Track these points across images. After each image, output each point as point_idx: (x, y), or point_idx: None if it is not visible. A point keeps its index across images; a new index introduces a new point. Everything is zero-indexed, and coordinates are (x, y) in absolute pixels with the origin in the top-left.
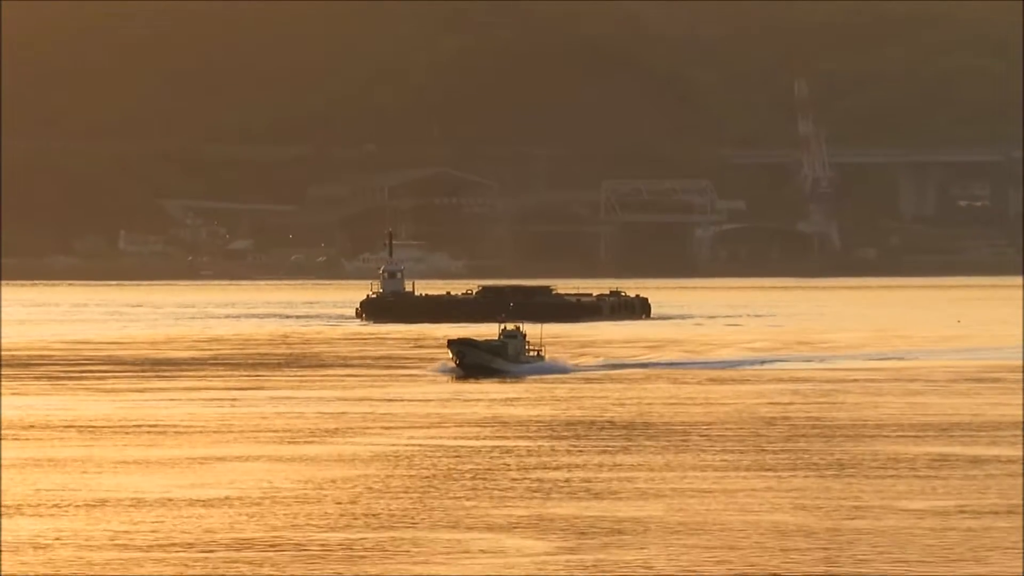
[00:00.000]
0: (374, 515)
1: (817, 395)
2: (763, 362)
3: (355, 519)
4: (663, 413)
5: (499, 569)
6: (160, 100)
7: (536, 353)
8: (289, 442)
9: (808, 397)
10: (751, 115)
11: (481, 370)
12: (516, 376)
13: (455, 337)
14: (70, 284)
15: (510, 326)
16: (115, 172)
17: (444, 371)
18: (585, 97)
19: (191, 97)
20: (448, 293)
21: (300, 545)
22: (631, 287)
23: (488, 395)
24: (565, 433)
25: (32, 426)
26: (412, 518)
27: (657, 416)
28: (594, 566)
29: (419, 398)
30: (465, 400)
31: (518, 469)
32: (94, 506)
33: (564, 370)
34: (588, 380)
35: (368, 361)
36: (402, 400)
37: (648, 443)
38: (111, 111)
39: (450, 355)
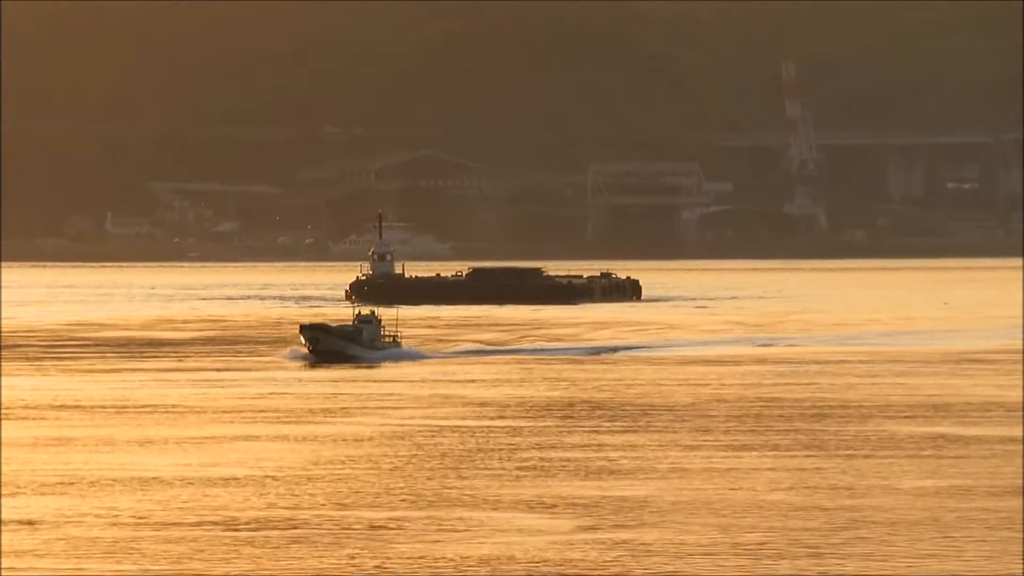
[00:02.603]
0: (381, 494)
1: (806, 376)
2: (617, 349)
3: (362, 498)
4: (653, 394)
5: (516, 547)
6: (147, 82)
7: (392, 339)
8: (291, 422)
9: (795, 378)
10: (738, 97)
11: (335, 356)
12: (371, 363)
13: (308, 322)
14: (57, 266)
15: (365, 311)
16: (102, 154)
17: (296, 357)
18: (573, 79)
19: (178, 79)
20: (438, 275)
21: (310, 524)
22: (619, 268)
23: (483, 377)
24: (559, 414)
25: (31, 407)
26: (420, 497)
27: (649, 397)
28: (609, 544)
29: (416, 379)
30: (459, 381)
31: (519, 449)
32: (96, 486)
33: (422, 357)
34: (578, 362)
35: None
36: (397, 381)
37: (644, 424)
38: (98, 93)
39: (303, 341)
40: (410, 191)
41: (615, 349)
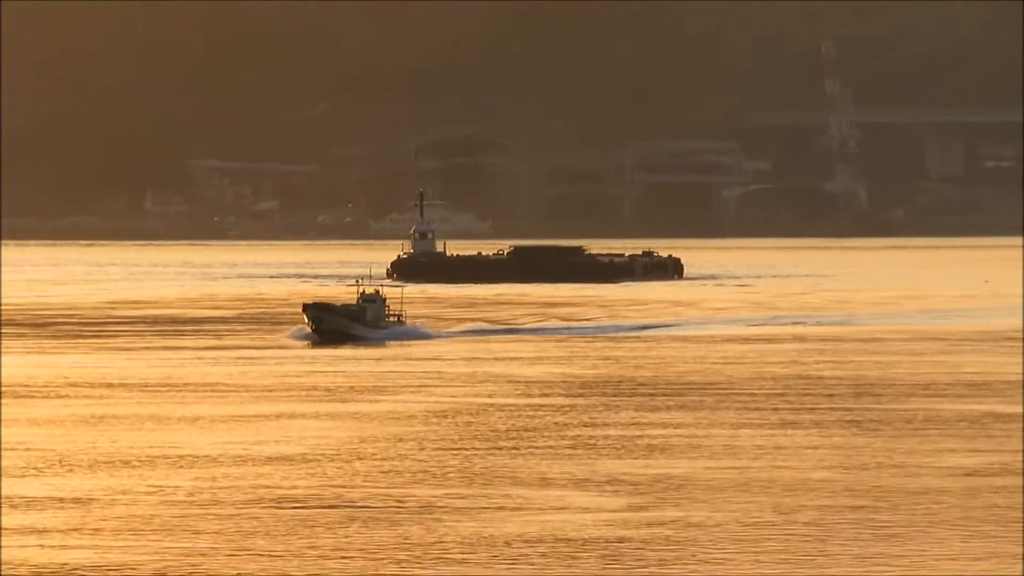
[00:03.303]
0: (429, 472)
1: (847, 354)
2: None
3: (410, 476)
4: (696, 373)
5: (567, 525)
6: (186, 60)
7: (396, 318)
8: (336, 400)
9: (837, 356)
10: (778, 75)
11: (339, 336)
12: (375, 342)
13: (311, 301)
14: (95, 244)
15: (369, 290)
16: (141, 133)
17: (299, 337)
18: (611, 57)
19: (216, 57)
20: (480, 253)
21: (359, 502)
22: (659, 247)
23: (524, 354)
24: (604, 392)
25: (74, 384)
26: (469, 474)
27: (692, 376)
28: (659, 522)
29: (456, 356)
30: (500, 359)
31: (566, 427)
32: (144, 463)
33: (426, 336)
34: (619, 340)
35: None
36: (437, 359)
37: (688, 402)
38: (136, 71)
39: (306, 320)
40: (449, 169)
41: (626, 328)
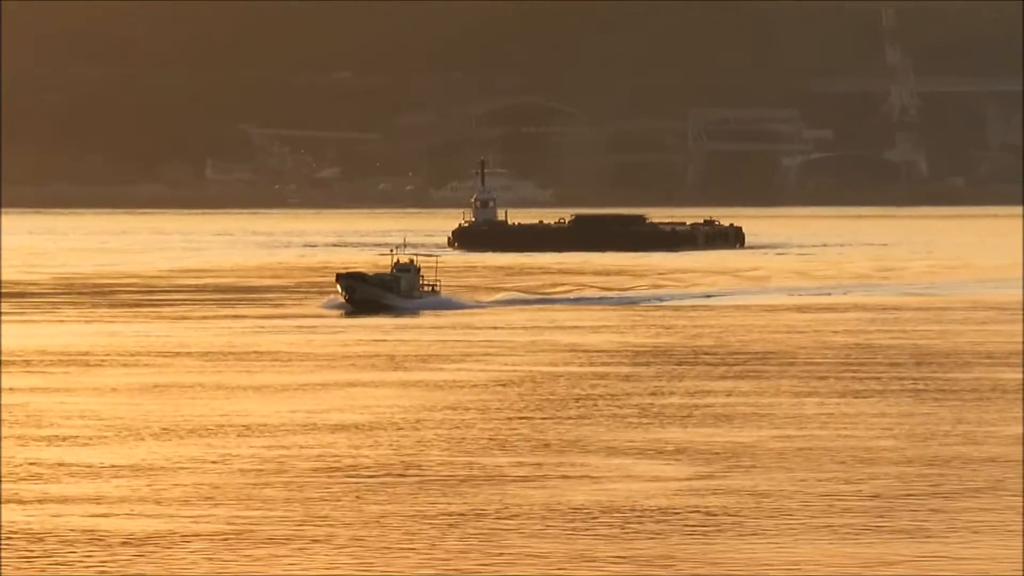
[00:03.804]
0: (494, 440)
1: (909, 323)
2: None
3: (475, 444)
4: (755, 341)
5: (634, 493)
6: (247, 27)
7: (431, 288)
8: (399, 368)
9: (898, 325)
10: (839, 44)
11: (372, 306)
12: (409, 312)
13: (344, 271)
14: (155, 212)
15: (403, 259)
16: (201, 100)
17: (333, 307)
18: (671, 24)
19: (278, 24)
20: (541, 222)
21: (420, 471)
22: (720, 215)
23: (585, 323)
24: (666, 361)
25: (135, 353)
26: (535, 443)
27: (754, 344)
28: (727, 491)
29: (517, 325)
30: (560, 327)
31: (630, 395)
32: (208, 432)
33: (460, 306)
34: (676, 308)
35: (464, 289)
36: (499, 327)
37: (751, 371)
38: (198, 38)
39: (339, 290)
40: (510, 137)
41: (659, 299)
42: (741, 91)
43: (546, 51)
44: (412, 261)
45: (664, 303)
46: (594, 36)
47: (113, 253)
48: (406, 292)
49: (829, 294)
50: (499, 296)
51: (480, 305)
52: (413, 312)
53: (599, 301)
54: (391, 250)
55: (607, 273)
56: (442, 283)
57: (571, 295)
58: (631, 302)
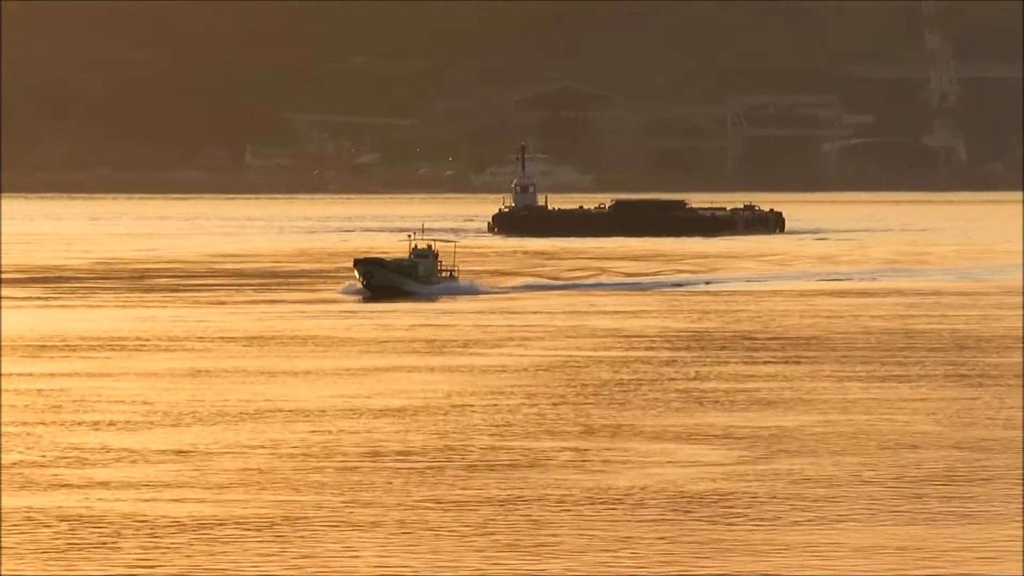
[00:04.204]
0: (537, 425)
1: (947, 308)
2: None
3: (518, 429)
4: (795, 326)
5: (679, 477)
6: (287, 13)
7: (449, 274)
8: (439, 353)
9: (937, 310)
10: (878, 29)
11: (390, 291)
12: (427, 298)
13: (362, 257)
14: (194, 197)
15: (421, 245)
16: (241, 86)
17: (351, 292)
18: (711, 10)
19: (317, 10)
20: (581, 207)
21: (465, 455)
22: (759, 200)
23: (623, 308)
24: (707, 346)
25: (176, 338)
26: (578, 427)
27: (791, 329)
28: (771, 475)
29: (555, 310)
30: (598, 312)
31: (671, 380)
32: (247, 418)
33: (477, 291)
34: (715, 294)
35: (504, 274)
36: (536, 312)
37: (792, 355)
38: (237, 24)
39: (357, 276)
40: (549, 123)
41: (680, 284)
42: (781, 76)
43: (586, 36)
44: (430, 247)
45: (686, 288)
46: (633, 21)
47: (152, 238)
48: (424, 278)
49: (866, 279)
50: (517, 282)
51: (499, 291)
52: (431, 298)
53: (618, 286)
54: (409, 235)
55: (644, 258)
56: (459, 269)
57: (590, 280)
58: (651, 288)
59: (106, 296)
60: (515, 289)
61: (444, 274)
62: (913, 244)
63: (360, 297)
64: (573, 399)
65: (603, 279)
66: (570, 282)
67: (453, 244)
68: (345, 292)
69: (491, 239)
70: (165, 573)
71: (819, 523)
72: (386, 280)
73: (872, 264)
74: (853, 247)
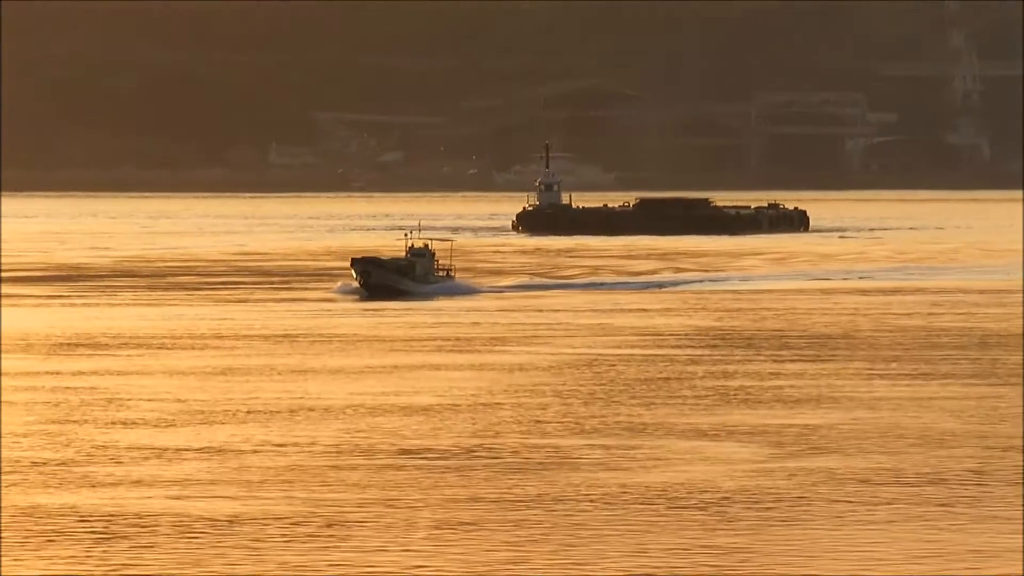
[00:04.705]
0: (566, 422)
1: (968, 306)
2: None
3: (547, 426)
4: (820, 324)
5: (710, 474)
6: (311, 11)
7: (445, 273)
8: (466, 351)
9: (961, 309)
10: (902, 27)
11: (387, 291)
12: (424, 297)
13: (359, 256)
14: (219, 196)
15: (418, 243)
16: (266, 84)
17: (346, 291)
18: (735, 8)
19: (340, 9)
20: (605, 205)
21: (494, 453)
22: (784, 198)
23: (648, 306)
24: (732, 344)
25: (201, 336)
26: (607, 425)
27: (815, 327)
28: (802, 472)
29: (581, 308)
30: (623, 310)
31: (698, 378)
32: (277, 415)
33: (473, 291)
34: (741, 294)
35: (528, 273)
36: (562, 310)
37: (818, 353)
38: (262, 23)
39: (354, 275)
40: (574, 121)
41: (662, 284)
42: (805, 74)
43: (611, 35)
44: (426, 245)
45: (708, 288)
46: (659, 20)
47: (176, 236)
48: (421, 277)
49: (890, 277)
50: (513, 281)
51: (495, 290)
52: (428, 297)
53: (614, 286)
54: (405, 234)
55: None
56: (455, 267)
57: (585, 280)
58: (649, 287)
59: (131, 294)
60: (510, 288)
61: (441, 273)
62: (936, 242)
63: (356, 296)
64: (601, 397)
65: (597, 279)
66: (566, 281)
67: (450, 243)
68: (339, 291)
69: (515, 237)
70: (199, 571)
71: (852, 523)
72: (383, 279)
73: (895, 262)
74: (876, 244)
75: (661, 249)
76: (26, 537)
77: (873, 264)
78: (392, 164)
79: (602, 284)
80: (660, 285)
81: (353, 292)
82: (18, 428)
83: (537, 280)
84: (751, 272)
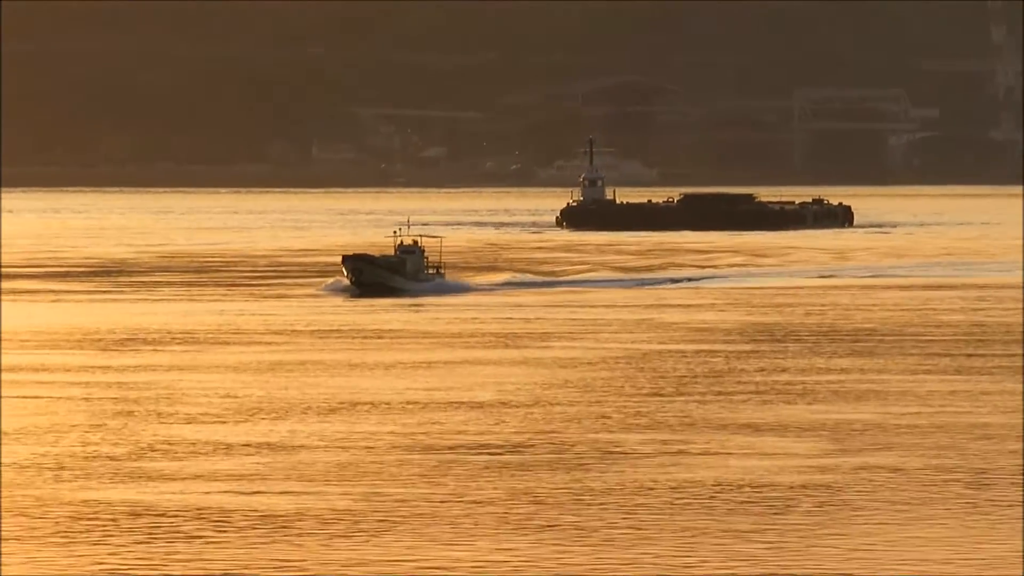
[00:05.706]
0: (614, 418)
1: (1010, 302)
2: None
3: (595, 422)
4: (866, 320)
5: (756, 469)
6: (354, 9)
7: (436, 270)
8: (509, 346)
9: (999, 304)
10: (944, 23)
11: (378, 288)
12: (415, 295)
13: (351, 253)
14: (262, 191)
15: (408, 241)
16: (308, 80)
17: (335, 289)
18: (777, 4)
19: (386, 5)
20: (649, 201)
21: (547, 447)
22: (826, 194)
23: (690, 301)
24: (777, 339)
25: (247, 331)
26: (647, 420)
27: (859, 323)
28: (854, 467)
29: (620, 303)
30: (664, 305)
31: (745, 373)
32: (329, 410)
33: (464, 289)
34: (777, 288)
35: (572, 268)
36: (602, 305)
37: (864, 348)
38: (304, 17)
39: (344, 272)
40: (617, 116)
41: (666, 281)
42: (847, 70)
43: (653, 30)
44: (416, 242)
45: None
46: (700, 15)
47: (218, 232)
48: (412, 274)
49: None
50: (501, 278)
51: (485, 288)
52: (419, 295)
53: (609, 283)
54: (395, 231)
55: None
56: (445, 265)
57: (577, 277)
58: (644, 284)
59: (173, 290)
60: (500, 286)
61: (431, 271)
62: (980, 238)
63: (346, 294)
64: (650, 392)
65: (591, 276)
66: (556, 279)
67: (439, 240)
68: (327, 289)
69: (560, 233)
70: (255, 566)
71: (912, 519)
72: (375, 277)
73: (939, 257)
74: (920, 240)
75: (701, 244)
76: (85, 530)
77: (916, 259)
78: (434, 159)
79: (597, 282)
80: (661, 283)
81: (344, 290)
82: (73, 423)
83: (526, 278)
84: (804, 265)
